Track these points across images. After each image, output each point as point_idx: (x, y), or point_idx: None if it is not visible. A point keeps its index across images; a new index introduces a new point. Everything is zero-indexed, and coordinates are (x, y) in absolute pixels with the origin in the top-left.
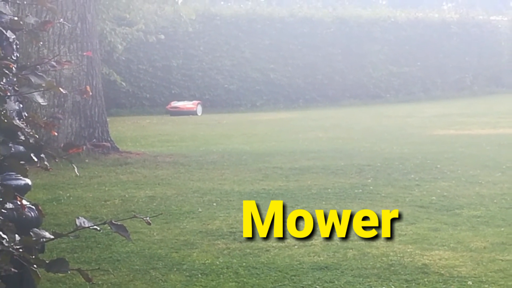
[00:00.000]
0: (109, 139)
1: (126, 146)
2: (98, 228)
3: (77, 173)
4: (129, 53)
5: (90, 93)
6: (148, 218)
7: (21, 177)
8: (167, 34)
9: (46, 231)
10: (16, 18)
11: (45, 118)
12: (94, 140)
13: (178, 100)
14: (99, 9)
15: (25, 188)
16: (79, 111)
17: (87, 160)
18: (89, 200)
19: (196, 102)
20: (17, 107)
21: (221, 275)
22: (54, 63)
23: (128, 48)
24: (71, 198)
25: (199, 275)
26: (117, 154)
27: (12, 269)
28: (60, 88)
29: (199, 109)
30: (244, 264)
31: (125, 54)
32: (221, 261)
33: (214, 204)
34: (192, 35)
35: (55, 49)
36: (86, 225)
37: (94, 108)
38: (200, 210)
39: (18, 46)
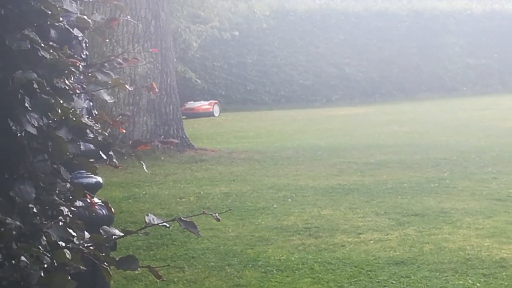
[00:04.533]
0: (184, 136)
1: (201, 143)
2: (167, 225)
3: (146, 170)
4: (203, 51)
5: (156, 89)
6: (217, 214)
7: (92, 175)
8: (242, 31)
9: (117, 228)
10: (83, 17)
11: (120, 116)
12: (162, 137)
13: (195, 101)
14: (174, 7)
15: (96, 186)
16: (154, 109)
17: (162, 158)
18: (165, 198)
19: (212, 102)
20: (86, 105)
21: (296, 271)
22: (120, 60)
23: (202, 46)
24: (147, 195)
25: (274, 271)
26: (192, 151)
27: (81, 267)
28: (126, 85)
29: (216, 109)
30: (319, 259)
31: (199, 52)
32: (296, 257)
33: (289, 200)
34: (266, 31)
35: (129, 48)
36: (155, 222)
37: (169, 106)
38: (275, 206)
39: (87, 45)
